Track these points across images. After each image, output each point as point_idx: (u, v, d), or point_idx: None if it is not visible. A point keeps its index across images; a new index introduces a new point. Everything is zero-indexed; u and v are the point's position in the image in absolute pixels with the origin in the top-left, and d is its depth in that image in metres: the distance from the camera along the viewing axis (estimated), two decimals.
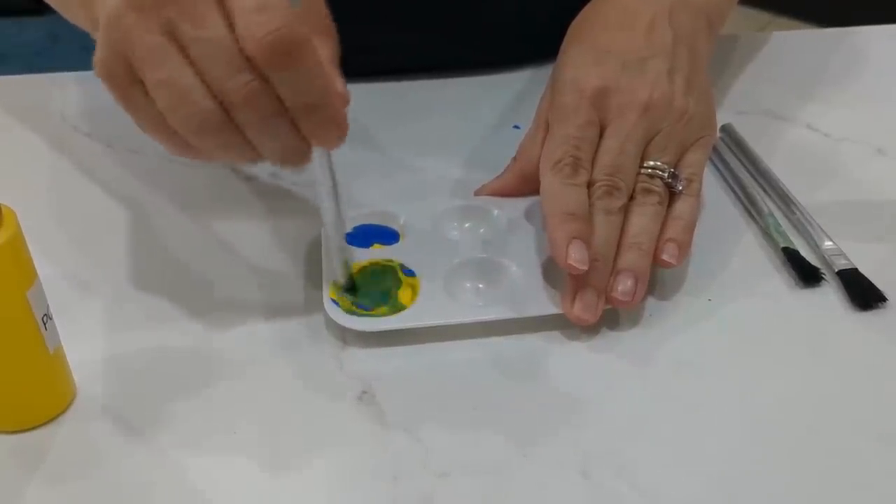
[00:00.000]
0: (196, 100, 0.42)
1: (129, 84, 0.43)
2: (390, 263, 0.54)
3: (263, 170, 0.63)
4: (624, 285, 0.50)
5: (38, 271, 0.44)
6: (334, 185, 0.50)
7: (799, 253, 0.55)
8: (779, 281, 0.55)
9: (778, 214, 0.59)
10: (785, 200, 0.60)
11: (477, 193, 0.59)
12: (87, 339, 0.50)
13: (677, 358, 0.50)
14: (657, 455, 0.45)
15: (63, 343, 0.47)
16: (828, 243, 0.56)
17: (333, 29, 0.42)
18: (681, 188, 0.54)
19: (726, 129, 0.66)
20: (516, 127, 0.67)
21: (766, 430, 0.46)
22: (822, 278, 0.54)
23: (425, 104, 0.71)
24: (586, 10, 0.62)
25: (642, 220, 0.52)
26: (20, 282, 0.43)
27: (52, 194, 0.62)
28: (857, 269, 0.54)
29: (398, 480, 0.44)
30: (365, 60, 0.71)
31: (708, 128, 0.57)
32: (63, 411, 0.47)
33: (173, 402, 0.48)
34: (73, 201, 0.61)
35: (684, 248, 0.53)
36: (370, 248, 0.55)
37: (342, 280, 0.52)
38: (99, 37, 0.43)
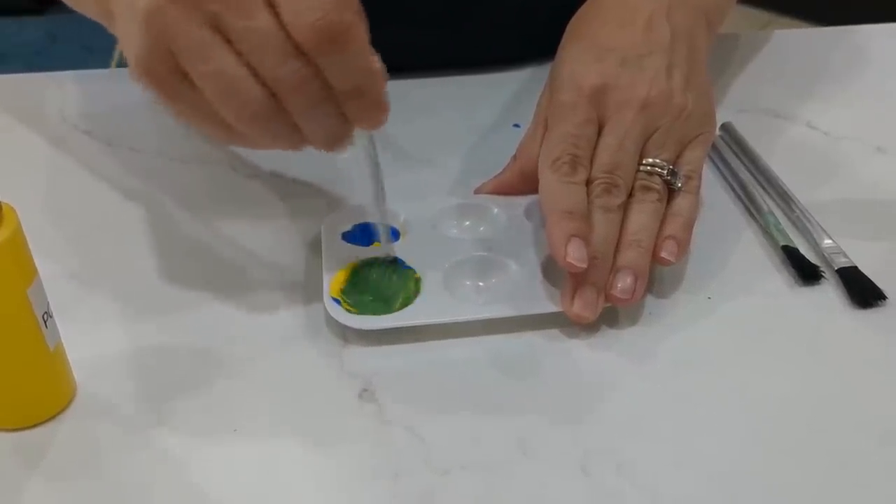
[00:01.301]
0: (247, 89, 0.43)
1: (173, 78, 0.44)
2: (384, 266, 0.54)
3: (264, 168, 0.63)
4: (623, 283, 0.50)
5: (39, 269, 0.44)
6: (377, 166, 0.51)
7: (798, 251, 0.55)
8: (778, 279, 0.55)
9: (777, 213, 0.59)
10: (784, 199, 0.60)
11: (477, 191, 0.60)
12: (87, 336, 0.50)
13: (677, 356, 0.50)
14: (657, 452, 0.45)
15: (63, 341, 0.47)
16: (827, 241, 0.56)
17: (362, 10, 0.44)
18: (680, 185, 0.54)
19: (726, 128, 0.66)
20: (516, 126, 0.67)
21: (765, 427, 0.46)
22: (822, 276, 0.54)
23: (425, 102, 0.71)
24: (585, 7, 0.62)
25: (641, 217, 0.52)
26: (20, 279, 0.43)
27: (52, 192, 0.62)
28: (856, 268, 0.54)
29: (399, 478, 0.44)
30: None
31: (707, 125, 0.57)
32: (63, 409, 0.47)
33: (174, 400, 0.48)
34: (73, 199, 0.62)
35: (683, 245, 0.53)
36: (371, 245, 0.55)
37: (392, 255, 0.54)
38: (136, 32, 0.43)
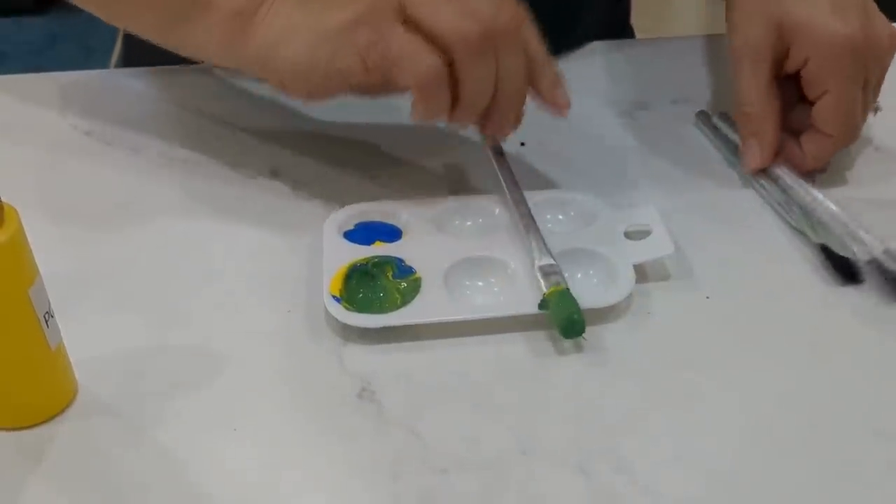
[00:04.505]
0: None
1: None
2: (384, 264, 0.54)
3: (265, 168, 0.63)
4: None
5: (40, 269, 0.44)
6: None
7: (833, 250, 0.55)
8: (778, 278, 0.55)
9: (780, 210, 0.59)
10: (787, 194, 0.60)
11: (755, 166, 0.62)
12: (88, 336, 0.50)
13: (676, 355, 0.50)
14: (656, 452, 0.45)
15: (64, 341, 0.47)
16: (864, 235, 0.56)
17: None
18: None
19: (725, 117, 0.66)
20: None
21: (765, 427, 0.46)
22: (862, 280, 0.54)
23: None
24: None
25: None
26: (22, 280, 0.43)
27: (53, 193, 0.62)
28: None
29: (398, 477, 0.44)
30: None
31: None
32: (64, 409, 0.48)
33: (174, 400, 0.48)
34: (74, 200, 0.62)
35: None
36: (372, 245, 0.55)
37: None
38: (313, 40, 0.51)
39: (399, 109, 0.69)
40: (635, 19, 0.90)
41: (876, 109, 0.62)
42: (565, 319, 0.49)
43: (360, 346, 0.51)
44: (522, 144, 0.65)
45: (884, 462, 0.45)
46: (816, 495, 0.44)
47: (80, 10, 0.63)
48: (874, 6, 0.60)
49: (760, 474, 0.44)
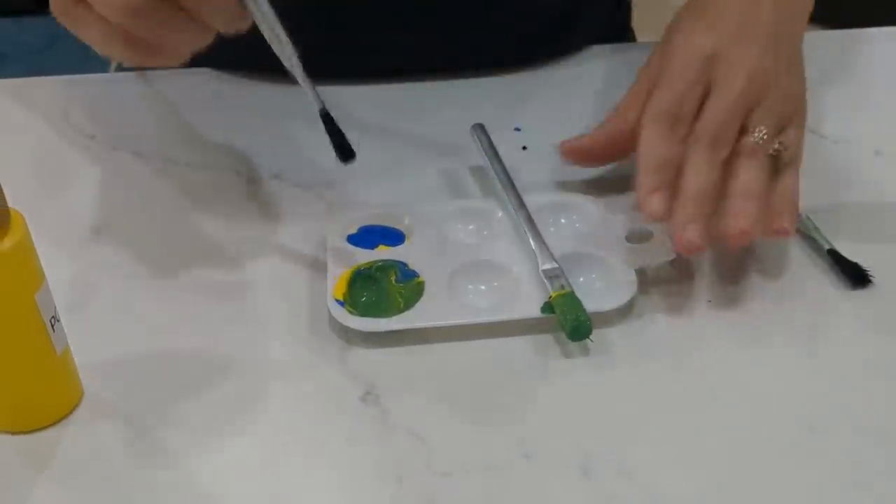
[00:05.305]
0: None
1: (73, 4, 0.49)
2: (387, 268, 0.54)
3: (268, 172, 0.64)
4: (744, 221, 0.51)
5: (46, 274, 0.45)
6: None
7: (842, 255, 0.55)
8: (780, 282, 0.55)
9: None
10: None
11: (564, 148, 0.60)
12: (93, 340, 0.51)
13: (677, 358, 0.50)
14: (658, 454, 0.45)
15: (70, 345, 0.47)
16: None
17: None
18: (786, 159, 0.55)
19: None
20: (517, 129, 0.68)
21: (766, 430, 0.47)
22: (870, 280, 0.54)
23: (427, 106, 0.71)
24: None
25: (752, 172, 0.53)
26: (29, 285, 0.43)
27: (58, 197, 0.63)
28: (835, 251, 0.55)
29: (401, 481, 0.44)
30: (367, 62, 0.72)
31: (802, 112, 0.58)
32: (70, 412, 0.48)
33: (179, 404, 0.48)
34: (79, 204, 0.62)
35: (795, 220, 0.54)
36: (375, 248, 0.56)
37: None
38: None
39: (400, 113, 0.70)
40: (636, 23, 0.91)
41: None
42: (573, 321, 0.49)
43: (363, 350, 0.51)
44: (524, 148, 0.65)
45: (883, 462, 0.45)
46: (816, 496, 0.44)
47: None
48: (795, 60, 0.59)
49: (761, 476, 0.44)
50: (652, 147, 0.54)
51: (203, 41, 0.49)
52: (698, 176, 0.53)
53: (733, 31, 0.57)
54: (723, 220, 0.52)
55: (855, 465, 0.45)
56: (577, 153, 0.60)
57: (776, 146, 0.54)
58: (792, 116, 0.56)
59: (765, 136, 0.54)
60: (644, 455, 0.45)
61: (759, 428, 0.47)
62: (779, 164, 0.54)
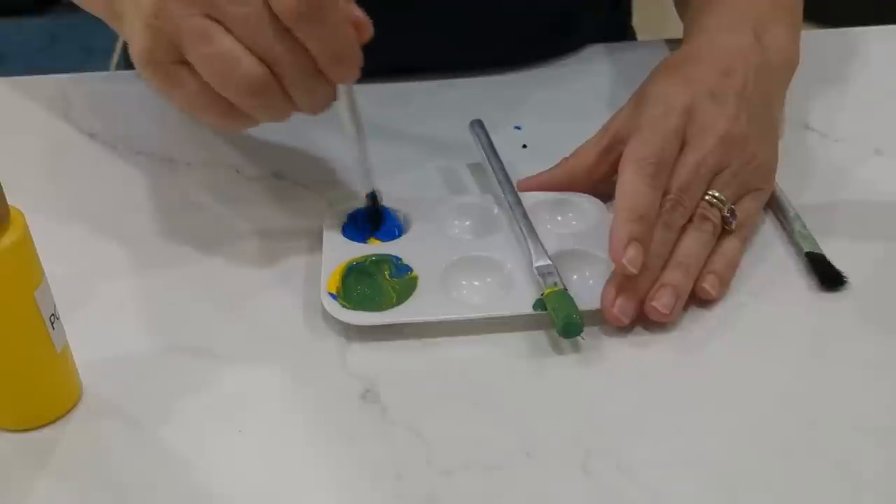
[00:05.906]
0: (246, 65, 0.47)
1: (175, 67, 0.48)
2: (381, 262, 0.54)
3: (267, 171, 0.64)
4: (667, 299, 0.51)
5: (45, 271, 0.45)
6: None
7: (825, 257, 0.55)
8: (774, 280, 0.55)
9: (772, 216, 0.59)
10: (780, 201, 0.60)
11: (521, 185, 0.60)
12: (93, 338, 0.51)
13: (678, 356, 0.50)
14: (658, 452, 0.45)
15: (69, 342, 0.47)
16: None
17: None
18: (733, 228, 0.55)
19: None
20: (517, 128, 0.68)
21: (766, 428, 0.47)
22: (845, 282, 0.54)
23: (427, 105, 0.71)
24: (679, 51, 0.63)
25: (694, 244, 0.53)
26: (28, 282, 0.43)
27: (58, 195, 0.63)
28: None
29: (401, 478, 0.44)
30: (367, 61, 0.72)
31: (768, 181, 0.58)
32: (69, 410, 0.48)
33: (178, 401, 0.48)
34: (79, 202, 0.62)
35: (725, 283, 0.54)
36: (366, 242, 0.56)
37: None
38: (139, 28, 0.48)
39: (401, 112, 0.70)
40: (636, 23, 0.91)
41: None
42: (564, 319, 0.49)
43: (363, 348, 0.51)
44: (524, 147, 0.65)
45: (882, 462, 0.45)
46: (815, 495, 0.44)
47: (80, 11, 0.63)
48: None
49: (760, 474, 0.44)
50: (634, 195, 0.53)
51: (285, 118, 0.50)
52: (653, 246, 0.52)
53: (708, 88, 0.57)
54: (652, 290, 0.52)
55: (854, 464, 0.45)
56: (534, 189, 0.60)
57: (726, 213, 0.54)
58: (757, 185, 0.57)
59: (719, 200, 0.54)
60: (644, 453, 0.45)
61: (758, 425, 0.47)
62: (728, 229, 0.55)
